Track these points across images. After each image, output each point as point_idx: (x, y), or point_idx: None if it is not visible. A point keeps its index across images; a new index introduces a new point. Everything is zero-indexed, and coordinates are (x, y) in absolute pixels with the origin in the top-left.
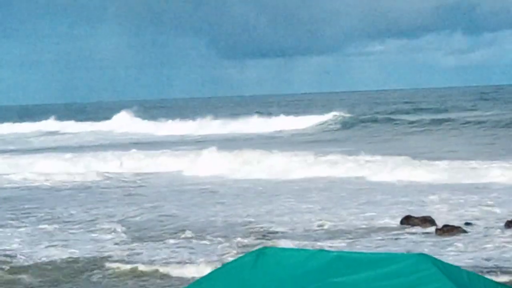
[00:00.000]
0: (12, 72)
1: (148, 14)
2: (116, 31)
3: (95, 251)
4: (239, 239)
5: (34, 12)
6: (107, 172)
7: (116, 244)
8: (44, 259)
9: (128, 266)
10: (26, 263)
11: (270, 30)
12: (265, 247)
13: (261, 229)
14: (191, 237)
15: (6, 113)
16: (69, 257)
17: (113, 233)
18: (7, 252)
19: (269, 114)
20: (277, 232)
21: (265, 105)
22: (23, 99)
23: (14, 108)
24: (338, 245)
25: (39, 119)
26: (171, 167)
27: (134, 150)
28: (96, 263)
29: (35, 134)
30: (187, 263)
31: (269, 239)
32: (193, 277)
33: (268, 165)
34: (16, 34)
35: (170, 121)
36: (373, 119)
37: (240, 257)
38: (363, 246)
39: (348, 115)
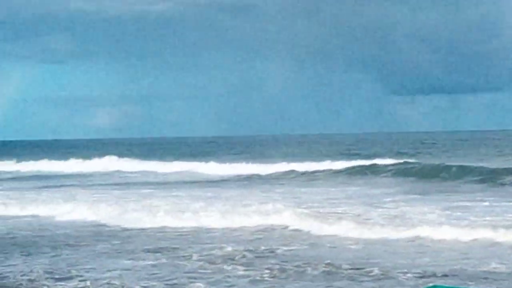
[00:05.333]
0: (181, 104)
1: (316, 49)
2: (284, 65)
3: None
4: None
5: (204, 44)
6: None
7: None
8: None
9: None
10: None
11: (439, 66)
12: (435, 285)
13: None
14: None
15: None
16: None
17: None
18: None
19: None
20: None
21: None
22: (190, 131)
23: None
24: None
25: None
26: None
27: None
28: None
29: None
30: None
31: None
32: None
33: None
34: (186, 66)
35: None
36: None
37: None
38: None
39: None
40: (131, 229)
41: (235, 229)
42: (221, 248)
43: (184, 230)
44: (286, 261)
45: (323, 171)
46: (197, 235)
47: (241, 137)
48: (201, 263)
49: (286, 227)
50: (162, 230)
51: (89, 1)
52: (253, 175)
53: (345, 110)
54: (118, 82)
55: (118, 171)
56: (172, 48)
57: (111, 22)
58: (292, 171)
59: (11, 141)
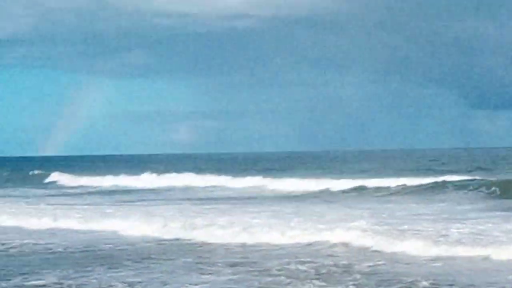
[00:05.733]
0: (259, 119)
1: (395, 63)
2: (363, 79)
3: None
4: None
5: (282, 59)
6: None
7: None
8: None
9: None
10: None
11: None
12: None
13: None
14: None
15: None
16: None
17: None
18: None
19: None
20: None
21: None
22: (268, 146)
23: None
24: None
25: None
26: None
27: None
28: None
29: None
30: None
31: None
32: None
33: None
34: (264, 81)
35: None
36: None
37: None
38: None
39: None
40: (209, 244)
41: (313, 244)
42: (299, 263)
43: (262, 245)
44: (364, 278)
45: (397, 186)
46: (276, 250)
47: (318, 152)
48: (279, 278)
49: (364, 243)
50: (240, 244)
51: (170, 17)
52: (326, 190)
53: (425, 124)
54: (197, 97)
55: (194, 186)
56: (251, 63)
57: (191, 37)
58: (365, 187)
59: (91, 156)
